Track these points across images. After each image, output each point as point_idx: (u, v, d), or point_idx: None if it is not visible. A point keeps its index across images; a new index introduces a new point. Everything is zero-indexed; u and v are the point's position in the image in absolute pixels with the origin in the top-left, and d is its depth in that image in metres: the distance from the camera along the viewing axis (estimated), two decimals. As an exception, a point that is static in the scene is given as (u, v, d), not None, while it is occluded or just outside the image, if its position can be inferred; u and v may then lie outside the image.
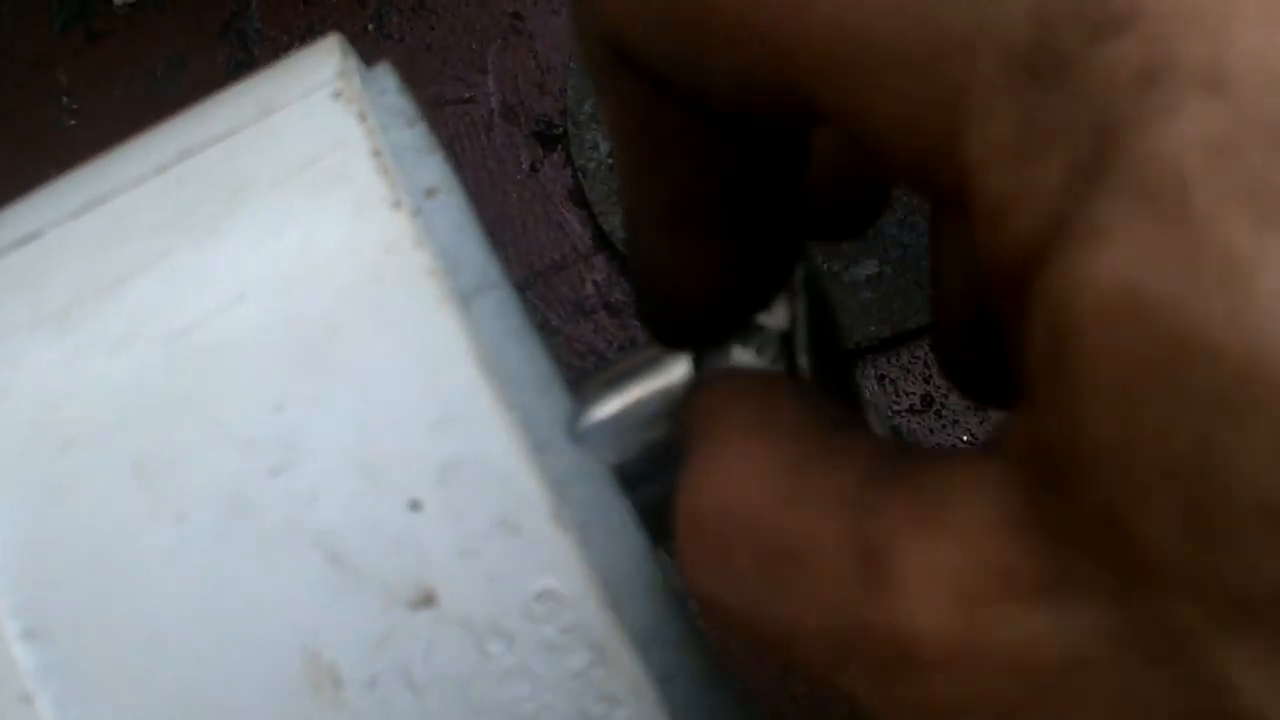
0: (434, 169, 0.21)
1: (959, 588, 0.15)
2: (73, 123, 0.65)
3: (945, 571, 0.16)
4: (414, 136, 0.21)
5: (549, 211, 0.64)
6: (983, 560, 0.15)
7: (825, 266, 0.66)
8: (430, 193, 0.20)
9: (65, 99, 0.66)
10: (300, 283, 0.19)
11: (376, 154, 0.20)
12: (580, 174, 0.67)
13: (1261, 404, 0.13)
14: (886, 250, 0.67)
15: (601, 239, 0.65)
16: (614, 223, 0.66)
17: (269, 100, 0.21)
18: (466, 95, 0.65)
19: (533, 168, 0.65)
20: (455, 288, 0.20)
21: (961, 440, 0.63)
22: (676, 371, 0.24)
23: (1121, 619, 0.15)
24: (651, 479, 0.23)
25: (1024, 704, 0.16)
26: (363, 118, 0.20)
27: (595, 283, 0.64)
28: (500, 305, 0.20)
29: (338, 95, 0.21)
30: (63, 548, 0.19)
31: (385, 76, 0.22)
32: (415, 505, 0.19)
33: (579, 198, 0.65)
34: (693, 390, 0.22)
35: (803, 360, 0.24)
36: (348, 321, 0.19)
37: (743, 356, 0.24)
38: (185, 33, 0.66)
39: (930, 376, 0.64)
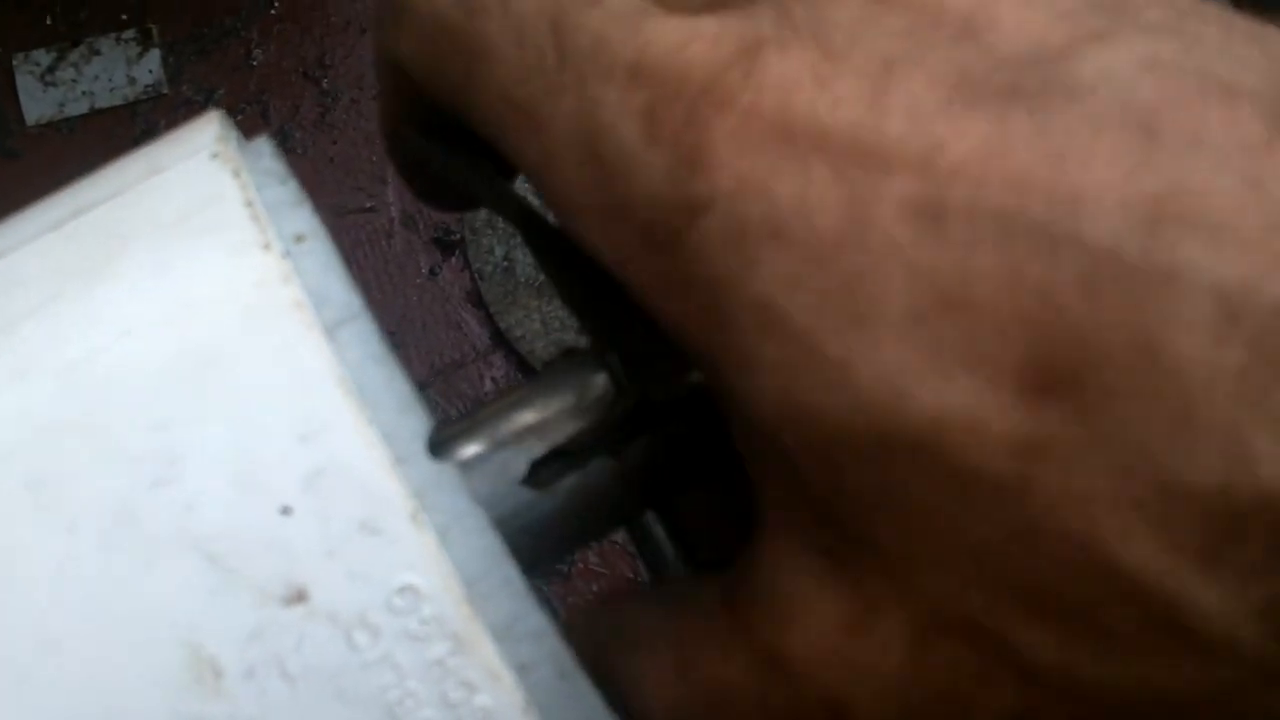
0: (303, 219, 0.23)
1: (831, 651, 0.20)
2: (-17, 236, 0.67)
3: (818, 645, 0.20)
4: (285, 192, 0.24)
5: (448, 313, 0.67)
6: (829, 625, 0.20)
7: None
8: (299, 238, 0.23)
9: (-22, 213, 0.68)
10: (179, 317, 0.22)
11: (249, 204, 0.22)
12: (478, 277, 0.69)
13: (897, 452, 0.18)
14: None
15: (499, 338, 0.68)
16: (510, 322, 0.69)
17: (154, 163, 0.24)
18: (368, 205, 0.68)
19: (432, 272, 0.67)
20: (320, 319, 0.22)
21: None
22: (531, 414, 0.26)
23: (906, 612, 0.19)
24: (515, 515, 0.25)
25: None
26: (237, 174, 0.23)
27: (494, 379, 0.66)
28: (362, 335, 0.23)
29: (215, 156, 0.23)
30: (-40, 558, 0.21)
31: (262, 145, 0.25)
32: (285, 510, 0.21)
33: (476, 299, 0.68)
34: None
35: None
36: (222, 350, 0.21)
37: None
38: (96, 150, 0.68)
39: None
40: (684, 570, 0.30)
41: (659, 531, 0.30)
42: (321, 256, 0.23)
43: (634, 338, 0.27)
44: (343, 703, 0.21)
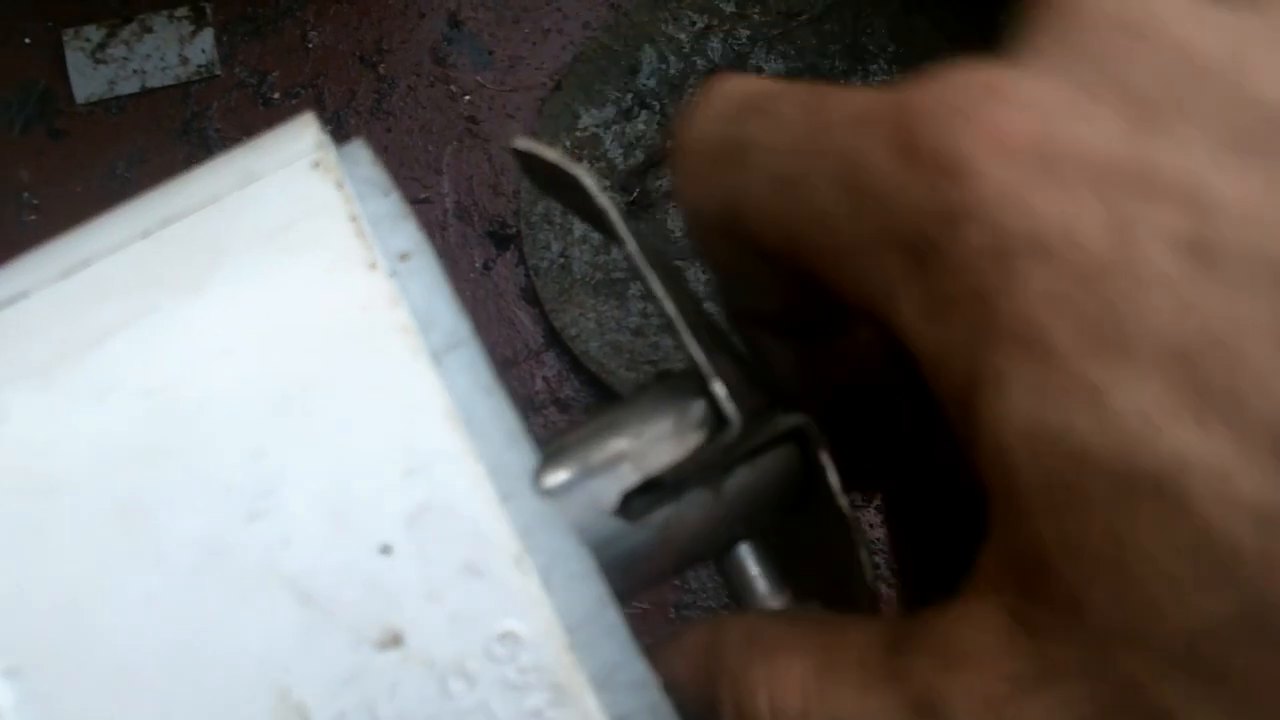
0: (408, 235, 0.22)
1: (990, 704, 0.19)
2: (34, 218, 0.66)
3: (979, 695, 0.19)
4: (389, 205, 0.22)
5: (501, 309, 0.65)
6: (996, 677, 0.19)
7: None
8: (404, 256, 0.22)
9: (26, 195, 0.67)
10: (279, 338, 0.21)
11: (354, 219, 0.21)
12: (532, 273, 0.68)
13: (1136, 491, 0.17)
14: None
15: (552, 336, 0.66)
16: (564, 320, 0.68)
17: (250, 170, 0.23)
18: (422, 195, 0.67)
19: (486, 266, 0.66)
20: (427, 345, 0.21)
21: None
22: (624, 441, 0.25)
23: (1090, 685, 0.18)
24: (603, 547, 0.24)
25: None
26: (340, 185, 0.22)
27: (545, 379, 0.65)
28: (470, 362, 0.21)
29: (316, 165, 0.22)
30: (45, 588, 0.19)
31: (359, 151, 0.24)
32: (385, 549, 0.20)
33: (531, 296, 0.66)
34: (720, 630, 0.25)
35: None
36: (325, 375, 0.20)
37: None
38: (145, 132, 0.67)
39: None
40: (779, 599, 0.29)
41: (749, 565, 0.29)
42: (428, 276, 0.22)
43: (736, 370, 0.25)
44: (437, 753, 0.20)
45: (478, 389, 0.21)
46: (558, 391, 0.65)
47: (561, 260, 0.67)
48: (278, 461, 0.20)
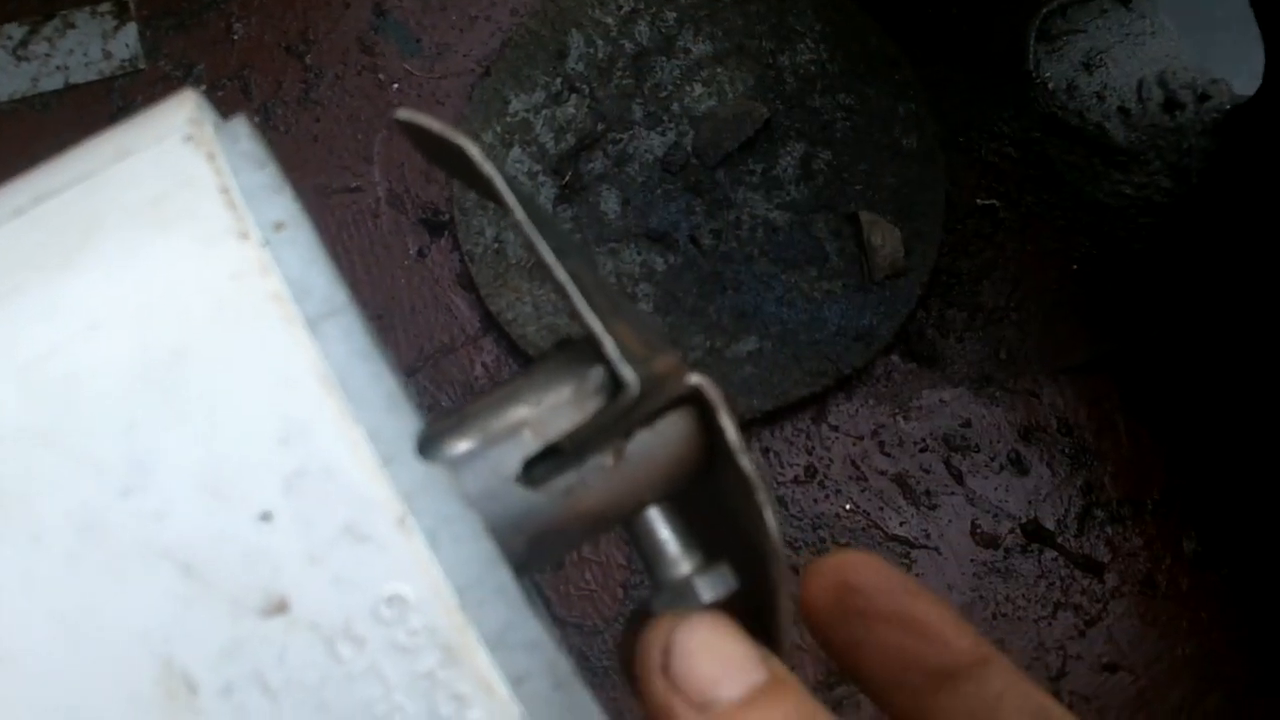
0: (282, 206, 0.22)
1: None
2: (-45, 216, 0.66)
3: None
4: (264, 177, 0.22)
5: (437, 296, 0.65)
6: None
7: (708, 344, 0.68)
8: (278, 226, 0.22)
9: (-52, 192, 0.66)
10: (151, 310, 0.20)
11: (224, 190, 0.21)
12: (467, 259, 0.68)
13: None
14: (766, 326, 0.69)
15: (490, 321, 0.66)
16: (501, 305, 0.68)
17: (123, 146, 0.22)
18: (353, 184, 0.66)
19: (420, 253, 0.66)
20: (302, 312, 0.21)
21: (844, 509, 0.65)
22: (525, 409, 0.25)
23: None
24: (508, 514, 0.24)
25: None
26: (211, 158, 0.22)
27: (485, 364, 0.65)
28: (347, 329, 0.21)
29: (189, 139, 0.22)
30: (-83, 570, 0.19)
31: (239, 126, 0.24)
32: (264, 516, 0.20)
33: (466, 281, 0.66)
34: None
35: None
36: (197, 345, 0.20)
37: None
38: (70, 127, 0.67)
39: (813, 448, 0.66)
40: (690, 562, 0.29)
41: (659, 528, 0.29)
42: (303, 246, 0.21)
43: (637, 336, 0.26)
44: (327, 718, 0.20)
45: (355, 355, 0.21)
46: (497, 376, 0.65)
47: (496, 245, 0.67)
48: (150, 435, 0.20)
